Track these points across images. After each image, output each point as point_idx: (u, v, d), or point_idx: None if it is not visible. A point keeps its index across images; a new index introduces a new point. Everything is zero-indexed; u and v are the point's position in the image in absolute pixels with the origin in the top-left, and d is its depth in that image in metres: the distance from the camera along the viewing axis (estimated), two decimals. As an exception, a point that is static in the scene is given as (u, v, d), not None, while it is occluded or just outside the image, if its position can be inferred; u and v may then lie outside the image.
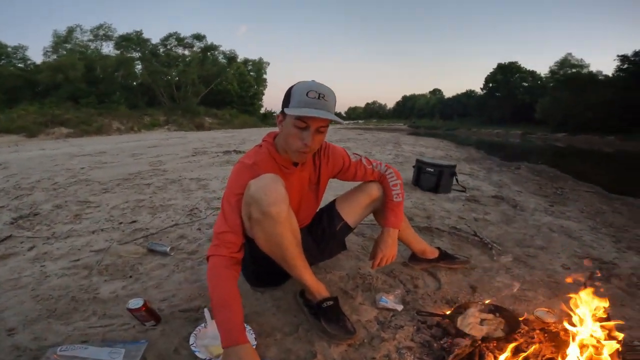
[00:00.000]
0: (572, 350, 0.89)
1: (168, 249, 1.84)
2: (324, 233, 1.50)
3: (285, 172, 1.25)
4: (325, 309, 1.19)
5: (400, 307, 1.32)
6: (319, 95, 1.08)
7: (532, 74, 48.71)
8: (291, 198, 1.13)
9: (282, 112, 1.15)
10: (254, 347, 1.08)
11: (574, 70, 37.06)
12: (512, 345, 0.96)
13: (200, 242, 2.02)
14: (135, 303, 1.17)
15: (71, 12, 73.24)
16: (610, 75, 31.23)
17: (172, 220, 2.43)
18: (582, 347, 0.90)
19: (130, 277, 1.60)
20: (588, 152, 15.78)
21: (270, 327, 1.22)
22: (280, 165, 1.24)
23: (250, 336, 1.13)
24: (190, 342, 1.09)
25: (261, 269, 1.38)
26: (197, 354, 1.06)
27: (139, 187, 3.55)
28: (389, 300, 1.34)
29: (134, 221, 2.42)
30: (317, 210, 1.54)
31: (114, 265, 1.71)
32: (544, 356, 0.94)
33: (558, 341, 1.00)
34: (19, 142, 12.24)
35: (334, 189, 2.18)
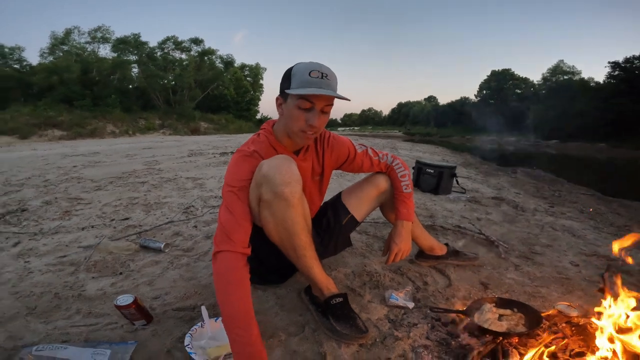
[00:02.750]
0: (603, 343, 0.82)
1: (162, 246, 1.74)
2: (329, 227, 1.41)
3: None
4: (334, 306, 1.10)
5: (411, 305, 1.24)
6: (322, 74, 1.02)
7: (525, 80, 49.39)
8: None
9: (282, 94, 1.08)
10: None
11: (565, 77, 37.62)
12: (544, 342, 0.88)
13: (197, 239, 1.93)
14: (125, 299, 1.07)
15: (70, 13, 72.57)
16: (601, 82, 31.70)
17: (167, 218, 2.33)
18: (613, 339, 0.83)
19: (121, 274, 1.50)
20: (580, 159, 15.94)
21: (273, 327, 1.13)
22: (279, 152, 1.17)
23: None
24: (186, 343, 0.99)
25: (264, 264, 1.29)
26: (193, 356, 0.95)
27: (133, 185, 3.44)
28: (399, 298, 1.26)
29: (127, 218, 2.32)
30: (322, 204, 1.46)
31: (103, 261, 1.61)
32: (572, 350, 0.87)
33: (586, 335, 0.93)
34: (11, 143, 12.04)
35: (333, 189, 2.10)
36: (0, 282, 1.41)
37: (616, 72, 29.06)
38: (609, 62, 29.62)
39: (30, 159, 5.89)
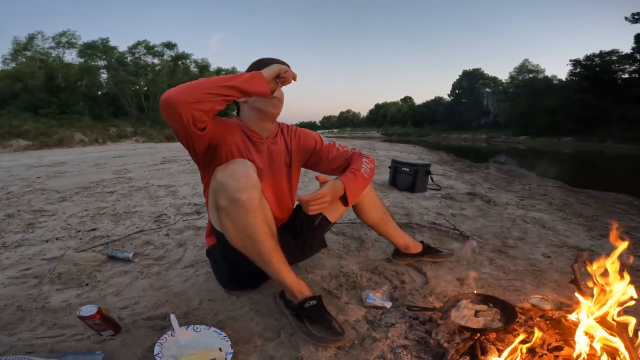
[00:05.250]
0: (582, 338, 0.82)
1: (130, 255, 1.66)
2: (302, 229, 1.40)
3: (254, 140, 1.21)
4: (309, 309, 1.08)
5: (389, 304, 1.24)
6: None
7: (494, 79, 51.46)
8: (263, 170, 1.04)
9: None
10: (231, 355, 0.95)
11: (531, 75, 39.42)
12: (520, 337, 0.87)
13: (168, 248, 1.86)
14: (88, 310, 1.02)
15: (33, 19, 68.74)
16: (564, 79, 33.33)
17: (137, 227, 2.23)
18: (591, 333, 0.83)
19: (86, 285, 1.43)
20: (548, 153, 16.73)
21: (248, 333, 1.09)
22: (250, 135, 1.22)
23: (226, 343, 1.00)
24: (155, 352, 0.94)
25: (235, 269, 1.26)
26: (163, 365, 0.91)
27: (100, 195, 3.29)
28: (377, 298, 1.25)
29: (94, 229, 2.21)
30: (294, 205, 1.44)
31: (68, 273, 1.53)
32: (549, 345, 0.88)
33: (561, 328, 0.94)
34: (-29, 155, 11.25)
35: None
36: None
37: (577, 70, 30.60)
38: (570, 60, 31.18)
39: (-9, 171, 5.54)
